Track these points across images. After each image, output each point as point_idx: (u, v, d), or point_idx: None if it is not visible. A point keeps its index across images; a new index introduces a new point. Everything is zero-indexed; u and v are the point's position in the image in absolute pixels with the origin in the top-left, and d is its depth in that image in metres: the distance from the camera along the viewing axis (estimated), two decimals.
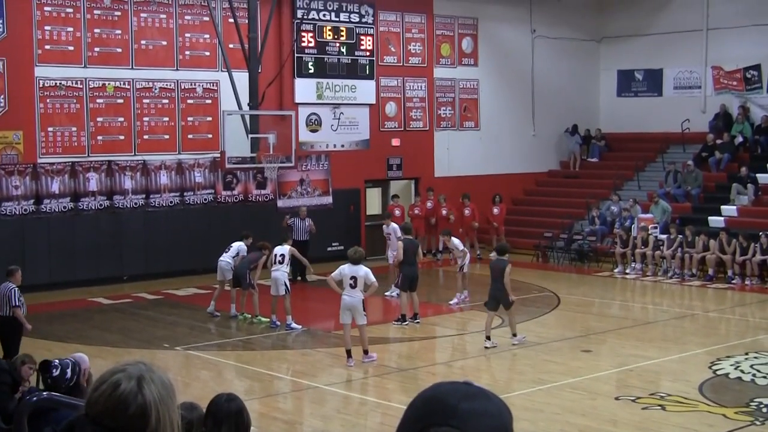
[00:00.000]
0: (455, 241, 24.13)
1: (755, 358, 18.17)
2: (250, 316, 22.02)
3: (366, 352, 17.89)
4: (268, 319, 21.49)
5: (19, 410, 4.55)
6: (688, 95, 35.95)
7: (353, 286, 17.56)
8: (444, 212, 31.91)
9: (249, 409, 7.20)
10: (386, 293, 24.32)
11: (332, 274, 17.91)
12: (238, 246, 22.74)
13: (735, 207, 30.11)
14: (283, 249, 21.77)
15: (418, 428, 2.22)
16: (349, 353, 17.79)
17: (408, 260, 21.74)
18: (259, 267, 21.98)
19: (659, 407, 14.91)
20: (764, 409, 14.74)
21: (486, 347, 19.11)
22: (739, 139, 33.13)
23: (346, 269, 17.71)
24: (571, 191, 34.99)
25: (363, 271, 17.64)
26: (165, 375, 2.75)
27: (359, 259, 17.83)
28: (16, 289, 16.51)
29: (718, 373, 17.11)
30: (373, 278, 17.70)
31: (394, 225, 25.82)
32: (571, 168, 37.02)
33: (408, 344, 20.23)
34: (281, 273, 21.13)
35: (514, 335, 19.50)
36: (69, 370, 9.54)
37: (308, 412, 15.69)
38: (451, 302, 23.99)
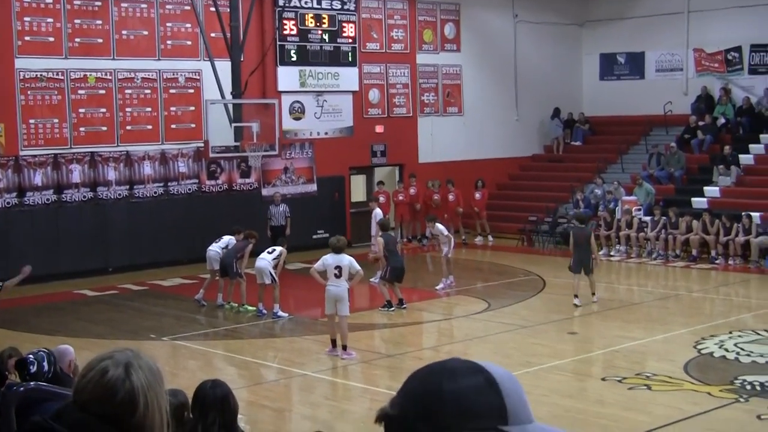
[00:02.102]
0: (440, 226, 24.19)
1: (739, 336, 18.31)
2: (236, 305, 22.03)
3: (345, 347, 17.56)
4: (255, 308, 21.50)
5: (6, 401, 4.55)
6: (670, 78, 36.05)
7: (338, 276, 17.37)
8: (435, 197, 32.00)
9: (237, 397, 7.22)
10: (371, 279, 24.36)
11: (315, 266, 17.71)
12: (229, 239, 22.67)
13: (718, 188, 30.20)
14: (278, 247, 21.84)
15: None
16: (334, 342, 17.74)
17: (392, 251, 21.75)
18: (245, 256, 21.99)
19: (645, 387, 15.01)
20: (748, 387, 14.85)
21: (576, 305, 21.44)
22: (722, 120, 33.21)
23: (329, 259, 17.51)
24: (554, 175, 35.03)
25: (347, 260, 17.48)
26: (152, 361, 2.76)
27: (342, 247, 17.67)
28: None
29: (703, 352, 17.23)
30: (357, 266, 17.59)
31: (377, 210, 25.80)
32: (555, 152, 37.08)
33: (394, 330, 20.28)
34: (265, 263, 21.13)
35: (594, 294, 21.93)
36: (45, 363, 9.50)
37: (296, 399, 15.73)
38: (438, 287, 24.02)
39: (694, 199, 29.89)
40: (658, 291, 24.46)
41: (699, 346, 17.56)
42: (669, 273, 26.67)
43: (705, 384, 15.13)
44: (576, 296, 21.59)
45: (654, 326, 19.76)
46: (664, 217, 28.24)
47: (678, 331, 19.13)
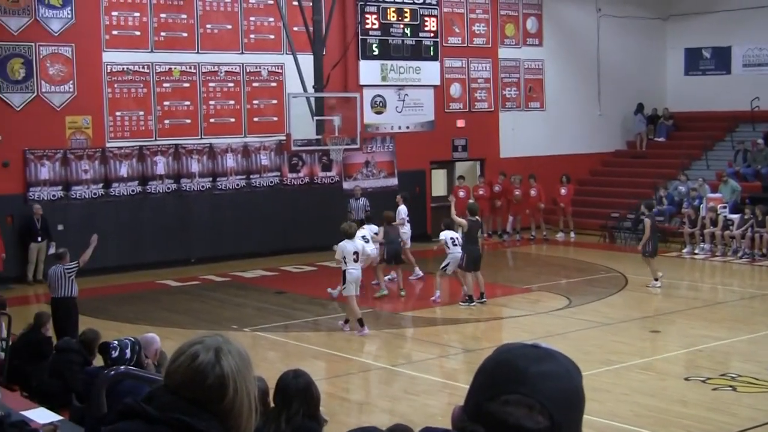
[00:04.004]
0: (401, 208, 24.68)
1: None
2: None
3: (347, 322, 19.07)
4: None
5: (97, 384, 4.62)
6: (757, 73, 35.40)
7: (356, 260, 18.74)
8: (517, 192, 31.79)
9: None
10: (410, 277, 24.33)
11: (337, 256, 18.90)
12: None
13: None
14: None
15: (488, 396, 2.23)
16: (361, 322, 18.69)
17: (471, 240, 21.62)
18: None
19: (730, 388, 14.74)
20: None
21: (658, 287, 23.07)
22: None
23: (348, 246, 18.70)
24: (638, 171, 34.69)
25: (361, 244, 19.29)
26: (242, 347, 2.78)
27: (355, 233, 19.22)
28: (65, 268, 16.79)
29: None
30: (369, 250, 19.56)
31: (401, 207, 25.42)
32: (638, 148, 36.70)
33: (474, 325, 20.21)
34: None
35: (656, 279, 23.26)
36: (128, 350, 9.59)
37: (376, 392, 15.74)
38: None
39: None
40: (744, 290, 24.06)
41: None
42: (755, 272, 26.21)
43: None
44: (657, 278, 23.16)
45: (739, 326, 19.40)
46: (751, 215, 27.72)
47: (764, 332, 18.71)
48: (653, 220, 23.86)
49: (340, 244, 18.81)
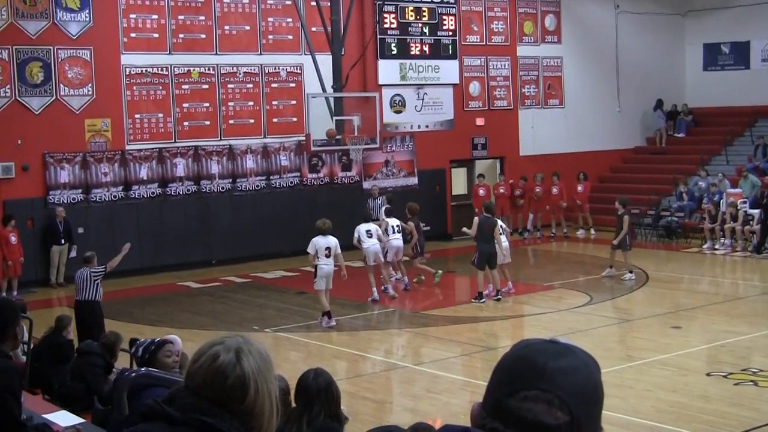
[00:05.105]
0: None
1: None
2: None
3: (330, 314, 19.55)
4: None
5: (118, 386, 4.65)
6: None
7: (328, 256, 19.21)
8: (537, 190, 31.72)
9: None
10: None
11: (309, 249, 19.43)
12: (374, 228, 22.51)
13: None
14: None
15: (507, 392, 2.23)
16: (329, 314, 19.41)
17: (484, 238, 21.54)
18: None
19: (752, 383, 14.71)
20: None
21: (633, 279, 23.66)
22: None
23: (320, 241, 19.24)
24: (657, 167, 34.58)
25: (334, 241, 19.36)
26: (262, 347, 2.80)
27: (329, 230, 19.34)
28: (92, 271, 16.71)
29: None
30: (339, 249, 19.44)
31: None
32: (658, 144, 36.60)
33: (495, 323, 20.21)
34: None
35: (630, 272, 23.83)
36: (141, 349, 9.24)
37: (398, 391, 15.75)
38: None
39: None
40: (765, 285, 23.95)
41: None
42: None
43: None
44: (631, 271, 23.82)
45: (760, 321, 19.35)
46: None
47: None
48: (630, 216, 24.33)
49: (313, 239, 19.31)
